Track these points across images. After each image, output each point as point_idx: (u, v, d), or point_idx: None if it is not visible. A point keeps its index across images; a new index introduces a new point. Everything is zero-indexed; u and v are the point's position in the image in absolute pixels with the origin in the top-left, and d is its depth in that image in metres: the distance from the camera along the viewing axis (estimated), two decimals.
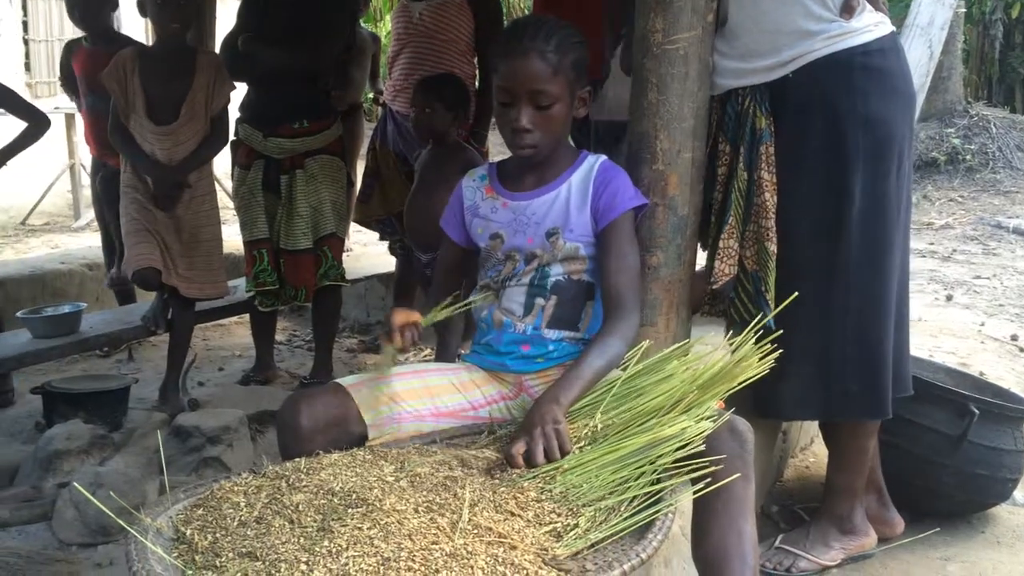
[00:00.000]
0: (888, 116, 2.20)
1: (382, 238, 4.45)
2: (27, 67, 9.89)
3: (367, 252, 5.92)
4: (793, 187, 2.22)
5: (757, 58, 2.21)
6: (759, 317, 2.06)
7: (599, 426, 1.69)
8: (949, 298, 5.77)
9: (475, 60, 4.11)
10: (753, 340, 1.80)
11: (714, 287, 2.27)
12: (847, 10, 2.14)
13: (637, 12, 2.09)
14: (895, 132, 2.21)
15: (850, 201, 2.19)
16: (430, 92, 3.41)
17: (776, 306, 2.19)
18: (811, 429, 3.27)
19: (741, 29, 2.22)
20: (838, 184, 2.19)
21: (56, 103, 8.17)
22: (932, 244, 7.64)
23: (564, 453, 1.61)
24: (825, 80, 2.17)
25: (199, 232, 3.58)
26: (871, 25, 2.19)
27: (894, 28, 2.27)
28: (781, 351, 1.87)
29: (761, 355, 1.76)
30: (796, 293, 1.98)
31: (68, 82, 4.42)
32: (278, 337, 4.35)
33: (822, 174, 2.21)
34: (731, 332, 2.29)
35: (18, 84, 9.58)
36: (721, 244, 2.26)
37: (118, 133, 3.52)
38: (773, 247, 2.21)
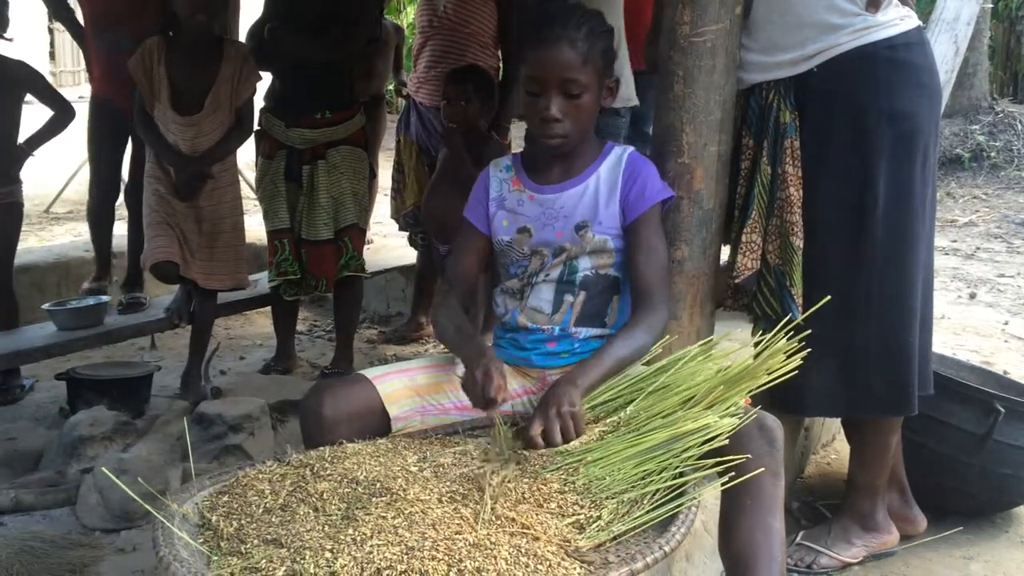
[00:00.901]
0: (913, 111, 2.18)
1: (402, 229, 4.45)
2: (52, 56, 9.95)
3: (387, 244, 5.93)
4: (817, 181, 2.21)
5: (781, 52, 2.20)
6: (787, 315, 2.06)
7: (626, 416, 1.69)
8: (972, 296, 5.72)
9: (498, 52, 4.11)
10: (782, 337, 1.78)
11: (736, 281, 2.25)
12: (873, 4, 2.12)
13: (665, 4, 2.08)
14: (920, 127, 2.19)
15: (874, 196, 2.17)
16: (463, 83, 3.42)
17: (801, 301, 2.18)
18: (833, 425, 3.26)
19: (765, 22, 2.20)
20: (862, 179, 2.17)
21: (81, 92, 8.21)
22: (955, 241, 7.57)
23: (578, 435, 1.63)
24: (850, 74, 2.15)
25: (220, 223, 3.58)
26: (896, 19, 2.17)
27: (921, 23, 2.24)
28: (804, 347, 1.86)
29: (788, 352, 1.74)
30: (827, 296, 1.96)
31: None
32: (299, 327, 4.37)
33: (846, 169, 2.19)
34: (756, 327, 2.29)
35: (43, 73, 9.64)
36: (743, 238, 2.24)
37: (142, 121, 3.52)
38: (799, 242, 2.20)
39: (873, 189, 2.17)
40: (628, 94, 4.04)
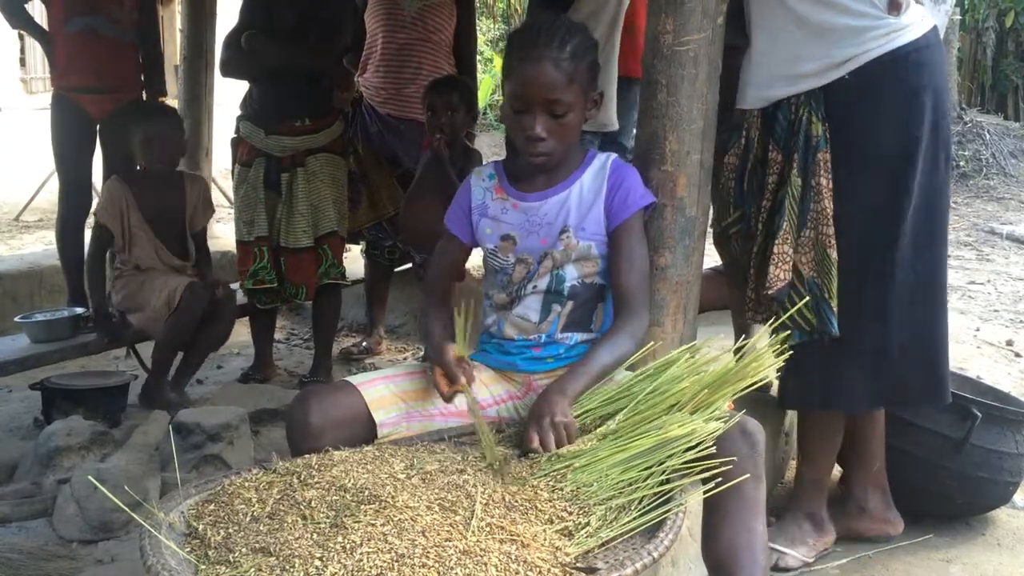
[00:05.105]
0: (935, 110, 2.22)
1: (368, 251, 4.38)
2: (22, 62, 9.85)
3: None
4: (852, 189, 2.22)
5: (806, 62, 2.20)
6: (827, 328, 2.20)
7: (614, 425, 1.69)
8: None
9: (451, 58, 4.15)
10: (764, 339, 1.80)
11: (769, 293, 2.25)
12: (894, 7, 2.14)
13: (649, 13, 2.10)
14: (940, 128, 2.24)
15: (909, 198, 2.21)
16: (448, 94, 3.42)
17: (837, 312, 2.21)
18: None
19: (781, 32, 2.21)
20: (902, 183, 2.20)
21: (51, 98, 8.14)
22: None
23: (570, 443, 1.65)
24: (883, 79, 2.17)
25: None
26: (917, 20, 2.20)
27: (935, 22, 2.28)
28: (844, 349, 2.14)
29: (776, 353, 1.76)
30: (862, 300, 2.03)
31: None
32: (277, 336, 4.34)
33: (886, 174, 2.21)
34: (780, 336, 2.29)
35: (13, 80, 9.55)
36: (775, 249, 2.24)
37: (96, 266, 3.55)
38: (835, 254, 2.21)
39: (909, 192, 2.20)
40: (607, 118, 4.02)
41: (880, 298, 2.25)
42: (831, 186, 2.22)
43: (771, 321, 2.01)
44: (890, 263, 2.24)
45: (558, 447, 1.63)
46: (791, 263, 2.26)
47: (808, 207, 2.23)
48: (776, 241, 2.24)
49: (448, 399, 1.84)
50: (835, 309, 2.22)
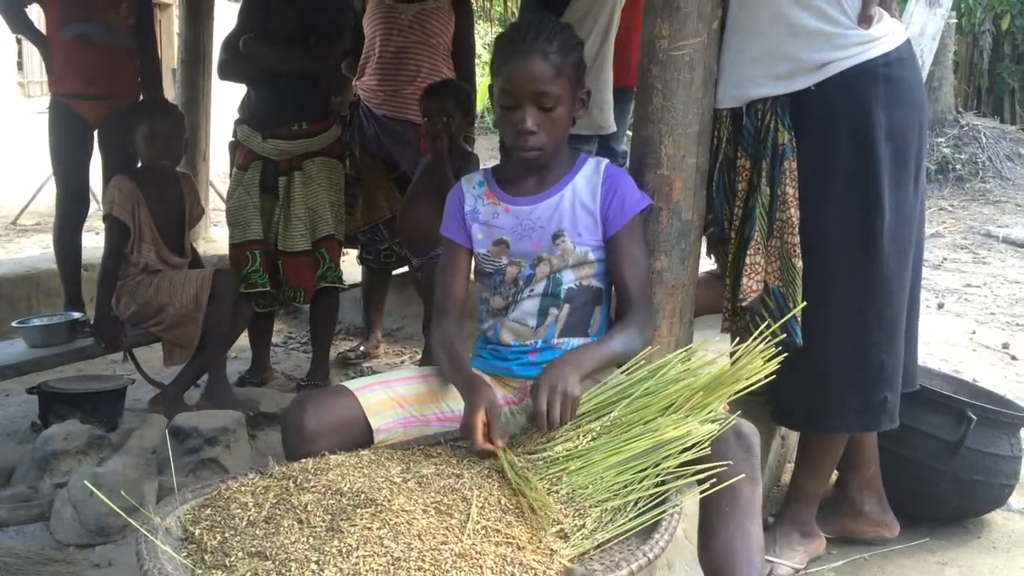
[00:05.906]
0: (906, 126, 2.20)
1: (362, 255, 4.38)
2: (19, 66, 9.85)
3: None
4: (822, 201, 2.20)
5: (779, 62, 2.18)
6: (790, 337, 2.14)
7: (608, 423, 1.70)
8: (940, 306, 5.80)
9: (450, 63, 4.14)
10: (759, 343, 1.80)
11: (743, 304, 2.23)
12: (864, 19, 2.13)
13: (645, 18, 2.11)
14: (912, 142, 2.22)
15: (881, 213, 2.18)
16: (444, 99, 3.42)
17: (802, 322, 2.18)
18: None
19: (760, 29, 2.18)
20: (870, 196, 2.18)
21: (48, 103, 8.14)
22: None
23: (571, 418, 1.67)
24: (851, 93, 2.16)
25: None
26: (890, 34, 2.19)
27: (908, 36, 2.27)
28: (821, 366, 2.12)
29: (766, 358, 1.76)
30: (836, 315, 2.07)
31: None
32: (274, 339, 4.34)
33: (853, 187, 2.19)
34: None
35: (11, 84, 9.54)
36: (748, 260, 2.23)
37: (112, 269, 3.47)
38: (800, 263, 2.19)
39: (880, 207, 2.18)
40: (604, 120, 4.02)
41: (857, 314, 2.22)
42: (797, 195, 2.20)
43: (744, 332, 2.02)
44: (867, 279, 2.21)
45: (562, 422, 1.65)
46: (763, 274, 2.24)
47: (775, 216, 2.22)
48: (748, 252, 2.22)
49: (481, 452, 1.66)
50: (799, 319, 2.18)
